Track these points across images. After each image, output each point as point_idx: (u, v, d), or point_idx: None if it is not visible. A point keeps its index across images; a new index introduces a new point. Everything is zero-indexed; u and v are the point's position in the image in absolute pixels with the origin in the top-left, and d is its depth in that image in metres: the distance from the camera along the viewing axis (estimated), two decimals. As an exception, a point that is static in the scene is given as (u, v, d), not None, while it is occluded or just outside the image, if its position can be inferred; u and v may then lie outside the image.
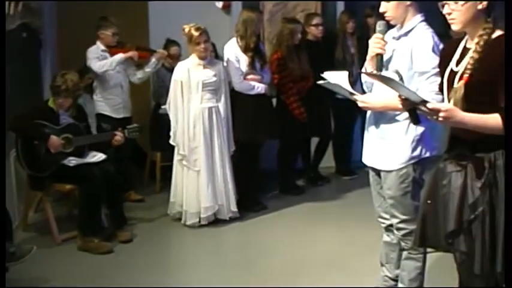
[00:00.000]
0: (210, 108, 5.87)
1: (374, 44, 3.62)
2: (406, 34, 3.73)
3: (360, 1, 7.65)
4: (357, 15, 7.53)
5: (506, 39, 2.86)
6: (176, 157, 5.98)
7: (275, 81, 6.67)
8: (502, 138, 2.86)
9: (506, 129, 2.80)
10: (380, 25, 3.67)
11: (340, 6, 7.85)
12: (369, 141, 3.95)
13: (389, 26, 3.79)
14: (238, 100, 6.19)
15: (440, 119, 2.80)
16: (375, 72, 3.56)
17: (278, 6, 7.66)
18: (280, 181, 7.10)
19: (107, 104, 6.51)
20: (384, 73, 3.54)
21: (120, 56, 6.40)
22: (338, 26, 7.45)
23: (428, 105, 2.82)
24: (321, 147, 7.46)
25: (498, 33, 2.95)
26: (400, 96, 2.99)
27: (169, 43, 7.02)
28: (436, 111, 2.80)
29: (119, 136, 5.64)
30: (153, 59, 6.71)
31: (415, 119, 3.14)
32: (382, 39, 3.62)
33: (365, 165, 4.03)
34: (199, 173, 5.86)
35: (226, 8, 7.66)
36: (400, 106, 3.09)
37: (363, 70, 3.88)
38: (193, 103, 5.84)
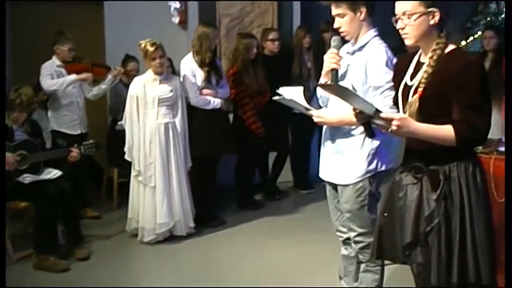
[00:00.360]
0: (166, 124, 5.84)
1: (329, 59, 3.65)
2: (360, 49, 3.76)
3: (316, 16, 7.70)
4: (313, 30, 7.58)
5: (506, 39, 2.90)
6: (132, 173, 5.93)
7: (232, 96, 6.67)
8: (456, 151, 2.91)
9: (506, 130, 2.85)
10: (335, 40, 3.71)
11: (297, 21, 7.89)
12: (325, 155, 3.96)
13: (344, 41, 3.82)
14: (194, 115, 6.17)
15: (393, 128, 2.82)
16: (329, 82, 3.59)
17: (235, 22, 7.67)
18: (238, 196, 7.08)
19: (62, 120, 6.45)
20: (330, 100, 3.59)
21: (72, 77, 6.35)
22: (295, 41, 7.49)
23: (382, 115, 2.84)
24: (278, 162, 7.47)
25: (451, 47, 3.00)
26: (354, 109, 3.00)
27: (127, 59, 6.98)
28: (389, 121, 2.82)
29: (74, 152, 5.55)
30: (109, 76, 6.67)
31: (370, 132, 3.14)
32: (337, 54, 3.65)
33: (322, 179, 4.04)
34: (155, 188, 5.82)
35: (183, 24, 7.65)
36: (355, 120, 3.11)
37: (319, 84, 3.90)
38: (149, 118, 5.81)
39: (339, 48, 3.69)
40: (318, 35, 7.59)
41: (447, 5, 3.06)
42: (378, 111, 2.87)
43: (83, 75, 6.43)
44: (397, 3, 3.04)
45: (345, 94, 2.95)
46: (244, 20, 7.71)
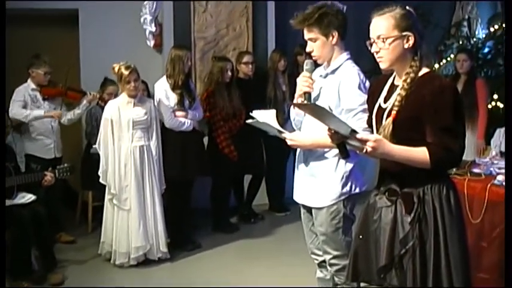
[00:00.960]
0: (141, 147, 5.80)
1: (302, 82, 3.66)
2: (333, 72, 3.78)
3: (291, 39, 7.73)
4: (288, 53, 7.61)
5: (506, 39, 2.91)
6: (107, 196, 5.88)
7: (206, 119, 6.66)
8: (430, 173, 2.92)
9: (506, 130, 2.85)
10: (307, 64, 3.72)
11: (271, 45, 7.91)
12: (299, 178, 3.96)
13: (317, 65, 3.84)
14: (168, 137, 6.13)
15: (368, 149, 2.82)
16: (305, 102, 3.59)
17: (210, 45, 7.67)
18: (213, 219, 7.04)
19: (36, 144, 6.38)
20: (304, 122, 3.60)
21: (39, 113, 6.31)
22: (269, 64, 7.49)
23: (357, 136, 2.84)
24: (253, 185, 7.45)
25: (424, 70, 3.02)
26: (329, 129, 2.99)
27: (106, 82, 6.90)
28: (364, 142, 2.82)
29: (49, 176, 5.47)
30: (84, 101, 6.64)
31: (344, 153, 3.13)
32: (310, 77, 3.66)
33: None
34: (129, 212, 5.76)
35: (158, 47, 7.64)
36: (329, 143, 3.10)
37: (291, 107, 3.92)
38: (124, 142, 5.77)
39: (311, 71, 3.70)
40: (292, 58, 7.61)
41: (421, 28, 3.08)
42: (353, 131, 2.87)
43: (51, 113, 6.39)
44: (371, 27, 3.06)
45: (321, 113, 2.95)
46: (219, 43, 7.72)
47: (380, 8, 3.05)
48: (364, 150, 2.85)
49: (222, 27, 7.71)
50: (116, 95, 6.73)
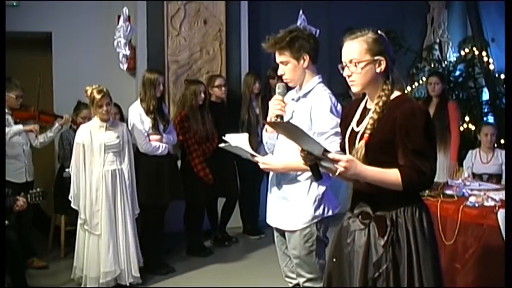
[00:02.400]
0: (113, 171, 5.72)
1: (274, 106, 3.66)
2: (304, 96, 3.80)
3: (264, 62, 7.74)
4: (262, 76, 7.62)
5: (506, 39, 2.92)
6: (79, 221, 5.79)
7: (179, 143, 6.63)
8: (402, 195, 2.93)
9: (506, 130, 2.84)
10: (279, 87, 3.72)
11: (245, 68, 7.91)
12: (272, 202, 3.96)
13: (289, 88, 3.84)
14: (142, 162, 6.10)
15: (340, 169, 2.81)
16: (279, 120, 3.58)
17: (183, 68, 7.66)
18: (187, 243, 6.98)
19: (8, 168, 6.28)
20: (277, 146, 3.59)
21: (18, 128, 6.23)
22: (243, 88, 7.48)
23: (330, 155, 2.84)
24: (227, 208, 7.40)
25: (396, 94, 3.04)
26: (302, 150, 2.98)
27: (80, 105, 6.83)
28: (336, 162, 2.82)
29: (21, 201, 5.38)
30: (57, 124, 6.59)
31: (317, 175, 3.11)
32: (282, 100, 3.67)
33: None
34: (100, 237, 5.67)
35: (131, 70, 7.61)
36: (302, 166, 3.09)
37: (264, 131, 3.92)
38: (95, 166, 5.69)
39: (283, 95, 3.71)
40: (265, 81, 7.62)
41: (393, 52, 3.10)
42: (326, 151, 2.86)
43: (30, 127, 6.31)
44: (343, 50, 3.07)
45: (294, 133, 2.93)
46: (192, 66, 7.70)
47: (352, 31, 3.07)
48: (337, 172, 2.84)
49: (195, 51, 7.71)
50: (89, 119, 6.67)
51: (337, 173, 2.86)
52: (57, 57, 7.65)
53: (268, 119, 3.71)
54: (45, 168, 7.28)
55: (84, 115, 6.74)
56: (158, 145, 6.15)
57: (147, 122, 6.13)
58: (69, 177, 5.93)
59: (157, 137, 6.17)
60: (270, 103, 3.68)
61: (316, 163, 3.01)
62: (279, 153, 3.83)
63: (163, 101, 6.51)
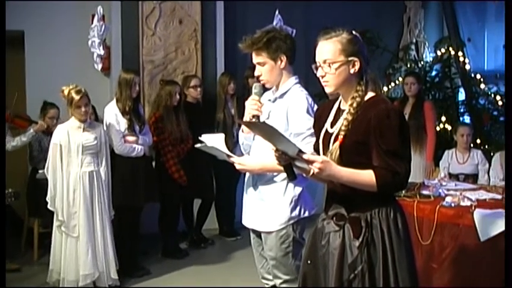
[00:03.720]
0: (90, 173, 5.70)
1: (250, 106, 3.66)
2: (281, 96, 3.82)
3: (241, 62, 7.74)
4: (238, 76, 7.63)
5: (506, 39, 2.94)
6: (55, 223, 5.76)
7: (154, 144, 6.62)
8: (377, 196, 2.94)
9: (506, 130, 2.86)
10: (256, 87, 3.73)
11: (221, 68, 7.91)
12: (248, 203, 3.97)
13: (266, 88, 3.86)
14: (117, 163, 6.08)
15: (315, 170, 2.83)
16: (254, 120, 3.58)
17: (158, 68, 7.64)
18: (162, 245, 6.97)
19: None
20: (253, 147, 3.60)
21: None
22: (218, 88, 7.47)
23: (304, 156, 2.85)
24: (203, 209, 7.40)
25: (370, 95, 3.05)
26: (277, 150, 2.99)
27: (46, 105, 6.80)
28: (311, 162, 2.83)
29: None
30: (31, 130, 6.55)
31: (292, 175, 3.12)
32: (259, 100, 3.67)
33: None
34: (78, 239, 5.64)
35: (106, 70, 7.58)
36: (278, 167, 3.10)
37: (240, 131, 3.93)
38: (72, 167, 5.67)
39: (260, 95, 3.72)
40: (243, 81, 7.62)
41: (367, 53, 3.11)
42: (300, 152, 2.87)
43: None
44: (317, 50, 3.08)
45: (269, 133, 2.93)
46: (167, 66, 7.69)
47: (326, 31, 3.07)
48: (311, 172, 2.86)
49: (170, 51, 7.70)
50: (57, 118, 6.64)
51: (310, 174, 2.88)
52: (29, 56, 7.60)
53: (244, 119, 3.72)
54: (17, 170, 7.21)
55: (52, 115, 6.71)
56: (134, 146, 6.14)
57: (123, 123, 6.12)
58: (43, 179, 5.91)
59: (133, 138, 6.16)
60: (247, 103, 3.69)
61: (290, 163, 3.02)
62: (255, 154, 3.85)
63: (138, 102, 6.49)
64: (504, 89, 4.48)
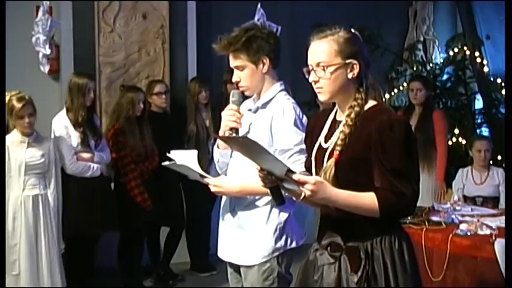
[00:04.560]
0: (35, 197, 5.66)
1: (228, 117, 3.67)
2: (264, 106, 3.82)
3: (218, 65, 7.74)
4: (214, 81, 7.63)
5: (506, 39, 2.96)
6: (-10, 258, 5.73)
7: (113, 161, 6.62)
8: (380, 223, 2.96)
9: (506, 130, 2.88)
10: (234, 94, 3.74)
11: (193, 71, 7.91)
12: (224, 231, 3.96)
13: (245, 96, 3.87)
14: (68, 185, 6.06)
15: (307, 193, 2.82)
16: (233, 135, 3.60)
17: (118, 72, 7.61)
18: (122, 281, 6.95)
19: None
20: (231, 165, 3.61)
21: None
22: (189, 96, 7.45)
23: (294, 176, 2.84)
24: (172, 239, 7.38)
25: (371, 103, 3.06)
26: (261, 170, 2.98)
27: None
28: (302, 184, 2.83)
29: None
30: None
31: (279, 199, 3.12)
32: (237, 110, 3.69)
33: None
34: (18, 277, 5.58)
35: (54, 73, 7.54)
36: (261, 189, 3.10)
37: (215, 147, 3.94)
38: (12, 190, 5.63)
39: (239, 104, 3.73)
40: (221, 87, 7.62)
41: (367, 55, 3.13)
42: (290, 171, 2.87)
43: None
44: (310, 51, 3.09)
45: (252, 149, 2.91)
46: (129, 69, 7.67)
47: (320, 29, 3.09)
48: (302, 195, 2.87)
49: (133, 51, 7.69)
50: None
51: (302, 197, 2.89)
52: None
53: (220, 133, 3.72)
54: None
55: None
56: (88, 165, 6.13)
57: (75, 137, 6.10)
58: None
59: (88, 155, 6.15)
60: (223, 114, 3.71)
61: (277, 185, 3.03)
62: (234, 174, 3.85)
63: (94, 112, 6.49)
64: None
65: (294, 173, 2.88)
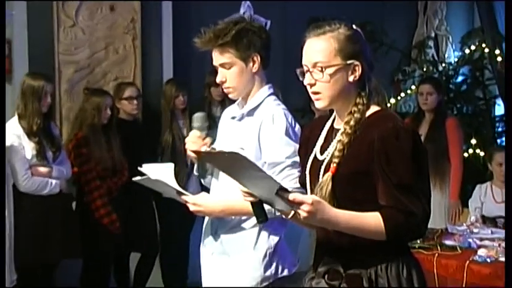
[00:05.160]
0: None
1: (190, 145, 3.72)
2: (251, 113, 3.83)
3: (198, 64, 7.75)
4: (194, 84, 7.64)
5: (506, 39, 2.97)
6: None
7: (75, 176, 6.61)
8: (385, 247, 2.96)
9: (506, 131, 2.88)
10: (197, 119, 3.76)
11: (168, 73, 7.91)
12: (206, 258, 3.97)
13: (231, 101, 3.88)
14: (22, 205, 6.03)
15: (303, 214, 2.79)
16: (210, 150, 3.59)
17: (81, 72, 7.55)
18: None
19: None
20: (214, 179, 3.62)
21: None
22: (163, 101, 7.44)
23: (289, 196, 2.79)
24: (143, 267, 7.39)
25: (373, 109, 3.06)
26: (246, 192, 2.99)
27: None
28: (298, 204, 2.79)
29: None
30: None
31: (261, 214, 3.11)
32: (202, 138, 3.71)
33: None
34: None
35: (6, 74, 7.51)
36: (249, 209, 3.10)
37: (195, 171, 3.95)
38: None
39: (203, 129, 3.74)
40: (204, 91, 7.62)
41: (371, 55, 3.14)
42: (282, 190, 2.82)
43: None
44: (305, 50, 3.09)
45: (238, 167, 2.86)
46: (95, 70, 7.63)
47: (318, 25, 3.09)
48: (292, 214, 2.87)
49: (98, 48, 7.66)
50: None
51: (291, 215, 2.90)
52: None
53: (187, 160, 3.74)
54: None
55: None
56: (46, 181, 6.13)
57: (30, 148, 6.09)
58: None
59: (45, 169, 6.14)
60: (187, 140, 3.73)
61: (260, 200, 3.02)
62: (216, 191, 3.85)
63: (52, 119, 6.49)
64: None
65: (288, 191, 2.82)
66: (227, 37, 3.74)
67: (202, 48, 3.82)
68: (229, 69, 3.80)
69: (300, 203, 2.79)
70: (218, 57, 3.81)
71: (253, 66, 3.80)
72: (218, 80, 3.87)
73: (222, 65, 3.82)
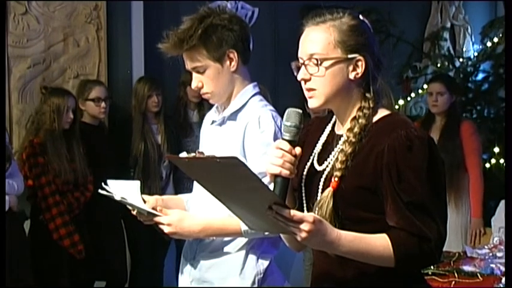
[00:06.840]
0: None
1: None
2: (233, 116, 3.84)
3: (172, 61, 7.73)
4: (168, 82, 7.66)
5: (506, 39, 2.98)
6: None
7: (29, 191, 6.60)
8: (394, 275, 2.95)
9: (506, 132, 2.89)
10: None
11: (139, 70, 7.93)
12: (185, 286, 3.96)
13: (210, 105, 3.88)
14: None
15: (302, 235, 2.71)
16: (186, 155, 3.55)
17: (36, 69, 7.53)
18: None
19: None
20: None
21: None
22: (134, 102, 7.43)
23: (288, 212, 2.67)
24: (112, 298, 7.41)
25: (382, 113, 3.04)
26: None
27: None
28: (297, 222, 2.70)
29: None
30: None
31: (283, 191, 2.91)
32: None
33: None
34: None
35: None
36: (233, 227, 3.11)
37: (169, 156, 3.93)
38: None
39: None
40: (178, 91, 7.62)
41: (378, 49, 3.11)
42: (280, 204, 2.69)
43: None
44: (302, 41, 3.07)
45: (230, 177, 2.71)
46: (51, 65, 7.63)
47: (317, 12, 3.07)
48: (299, 237, 2.86)
49: (56, 40, 7.66)
50: None
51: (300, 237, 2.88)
52: None
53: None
54: None
55: None
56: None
57: (-24, 158, 6.11)
58: None
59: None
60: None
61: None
62: (196, 207, 3.86)
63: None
64: None
65: (286, 207, 2.72)
66: (193, 39, 3.75)
67: (170, 54, 3.85)
68: (204, 73, 3.82)
69: (300, 221, 2.70)
70: (189, 63, 3.85)
71: (230, 64, 3.81)
72: (193, 86, 3.88)
73: (195, 69, 3.84)
